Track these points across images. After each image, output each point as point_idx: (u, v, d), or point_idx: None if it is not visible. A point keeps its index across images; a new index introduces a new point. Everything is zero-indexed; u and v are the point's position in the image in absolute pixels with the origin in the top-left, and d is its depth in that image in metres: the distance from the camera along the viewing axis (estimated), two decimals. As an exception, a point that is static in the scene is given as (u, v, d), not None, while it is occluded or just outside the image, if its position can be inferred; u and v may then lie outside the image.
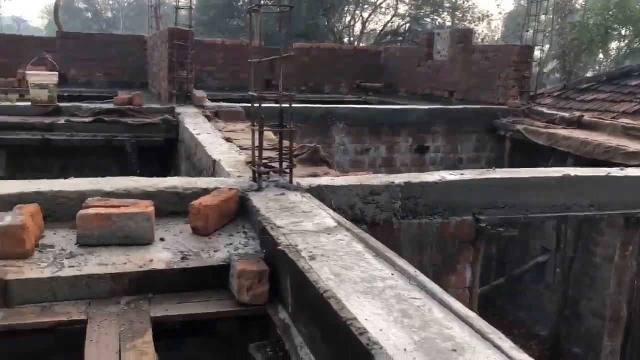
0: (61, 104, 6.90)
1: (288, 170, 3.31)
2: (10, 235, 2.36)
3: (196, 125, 5.85)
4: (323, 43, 15.97)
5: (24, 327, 2.10)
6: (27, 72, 7.34)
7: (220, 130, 5.62)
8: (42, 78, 6.80)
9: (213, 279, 2.45)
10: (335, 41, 21.19)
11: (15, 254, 2.37)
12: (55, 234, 2.70)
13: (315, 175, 3.86)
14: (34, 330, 2.14)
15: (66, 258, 2.44)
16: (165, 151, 6.82)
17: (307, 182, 3.40)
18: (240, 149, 4.66)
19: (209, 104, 7.29)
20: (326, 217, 2.74)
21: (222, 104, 7.53)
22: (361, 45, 22.08)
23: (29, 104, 6.84)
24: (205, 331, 2.50)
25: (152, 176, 3.42)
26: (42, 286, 2.24)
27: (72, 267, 2.35)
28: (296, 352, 1.99)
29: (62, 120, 6.47)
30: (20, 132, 6.32)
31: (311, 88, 12.55)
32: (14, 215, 2.47)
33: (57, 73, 7.30)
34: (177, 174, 6.38)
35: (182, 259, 2.50)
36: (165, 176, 4.02)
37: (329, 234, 2.46)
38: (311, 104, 9.30)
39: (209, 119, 6.41)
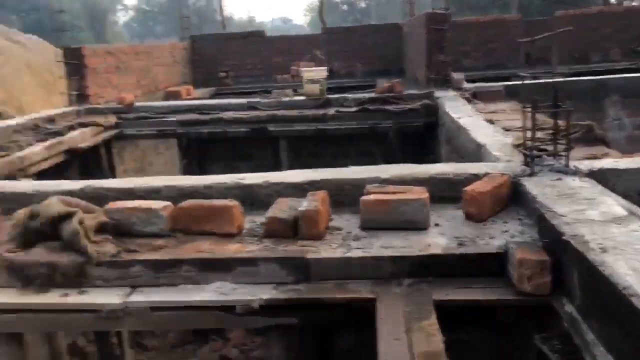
0: (329, 96, 7.54)
1: (563, 153, 3.11)
2: (307, 219, 2.69)
3: (456, 108, 5.84)
4: (587, 8, 14.47)
5: (324, 301, 2.37)
6: (301, 69, 8.17)
7: (480, 112, 5.53)
8: (314, 73, 7.52)
9: (489, 265, 2.45)
10: (603, 4, 19.00)
11: (311, 235, 2.69)
12: (340, 217, 2.98)
13: (593, 157, 3.55)
14: (330, 304, 2.41)
15: (353, 240, 2.68)
16: (423, 135, 6.96)
17: (585, 165, 3.15)
18: (505, 130, 4.52)
19: (466, 85, 7.22)
20: (613, 204, 2.51)
21: (479, 84, 7.38)
22: (633, 4, 19.40)
23: (303, 97, 7.62)
24: (482, 317, 2.51)
25: (412, 161, 3.54)
26: (335, 265, 2.49)
27: (359, 248, 2.57)
28: (588, 349, 1.88)
29: (332, 111, 7.07)
30: (297, 124, 7.10)
31: (575, 58, 11.49)
32: (308, 201, 2.80)
33: (326, 68, 7.99)
34: (436, 158, 6.48)
35: (459, 244, 2.55)
36: (424, 161, 4.13)
37: (619, 224, 2.25)
38: (577, 76, 8.55)
39: (467, 100, 6.35)
